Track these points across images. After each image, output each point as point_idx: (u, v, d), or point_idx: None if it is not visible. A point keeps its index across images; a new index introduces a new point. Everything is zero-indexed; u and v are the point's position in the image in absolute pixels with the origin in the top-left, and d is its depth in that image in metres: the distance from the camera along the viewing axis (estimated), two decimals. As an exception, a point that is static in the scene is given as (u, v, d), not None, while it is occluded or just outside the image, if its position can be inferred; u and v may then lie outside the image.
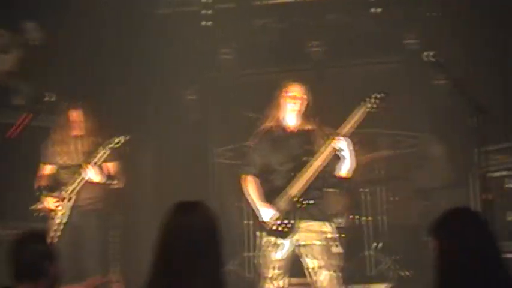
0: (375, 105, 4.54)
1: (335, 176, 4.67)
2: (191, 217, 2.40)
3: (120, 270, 6.04)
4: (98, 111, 5.58)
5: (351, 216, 6.78)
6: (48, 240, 3.57)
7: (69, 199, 5.34)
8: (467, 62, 6.52)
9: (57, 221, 5.32)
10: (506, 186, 5.56)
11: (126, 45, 7.09)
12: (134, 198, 6.86)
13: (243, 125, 6.47)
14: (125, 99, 7.06)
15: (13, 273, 3.28)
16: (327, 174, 4.63)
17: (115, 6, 6.92)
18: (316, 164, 4.50)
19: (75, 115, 5.41)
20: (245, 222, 6.74)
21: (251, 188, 4.71)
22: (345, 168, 4.58)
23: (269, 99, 4.84)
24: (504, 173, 5.57)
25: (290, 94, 4.68)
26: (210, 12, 7.31)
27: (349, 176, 4.66)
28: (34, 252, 3.28)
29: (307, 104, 4.71)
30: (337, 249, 4.56)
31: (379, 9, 7.00)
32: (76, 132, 5.45)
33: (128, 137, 5.24)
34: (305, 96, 4.70)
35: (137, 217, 7.27)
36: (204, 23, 7.28)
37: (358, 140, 4.82)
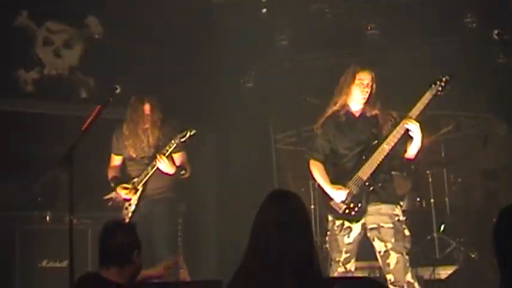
0: (439, 88, 4.54)
1: (399, 159, 4.70)
2: (286, 202, 2.58)
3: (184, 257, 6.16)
4: (159, 103, 5.67)
5: (416, 199, 6.75)
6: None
7: (138, 190, 5.49)
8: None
9: (130, 210, 5.48)
10: None
11: (184, 35, 7.17)
12: (197, 186, 6.97)
13: (302, 111, 6.50)
14: (184, 89, 7.13)
15: (100, 258, 3.42)
16: (391, 157, 4.65)
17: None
18: (387, 147, 4.53)
19: (146, 108, 5.51)
20: (311, 207, 6.76)
21: (319, 173, 4.74)
22: (412, 150, 4.61)
23: (327, 84, 4.84)
24: None
25: (362, 82, 4.66)
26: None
27: (413, 158, 4.69)
28: (124, 241, 3.42)
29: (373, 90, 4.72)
30: (405, 232, 4.58)
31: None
32: (145, 125, 5.55)
33: (194, 132, 5.32)
34: (373, 83, 4.69)
35: (201, 204, 7.38)
36: (260, 10, 7.31)
37: (421, 121, 4.80)
